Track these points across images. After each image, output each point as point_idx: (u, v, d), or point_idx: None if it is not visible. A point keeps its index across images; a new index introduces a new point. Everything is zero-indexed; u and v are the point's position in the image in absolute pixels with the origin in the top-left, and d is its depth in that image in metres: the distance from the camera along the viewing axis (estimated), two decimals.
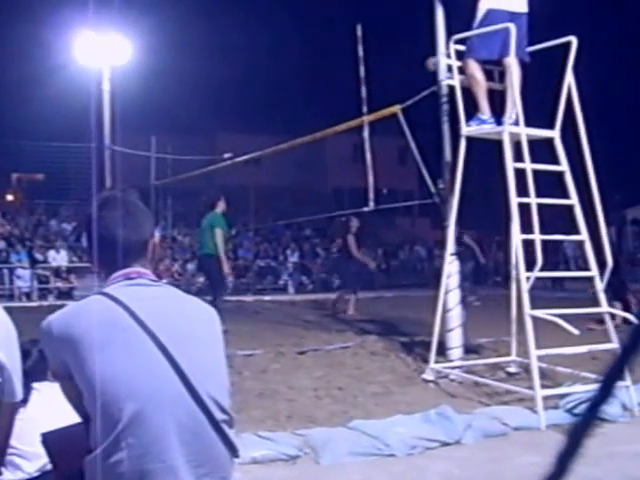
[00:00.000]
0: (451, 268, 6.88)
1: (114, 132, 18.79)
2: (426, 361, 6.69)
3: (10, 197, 27.62)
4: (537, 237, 5.65)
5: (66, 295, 17.63)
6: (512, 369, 6.88)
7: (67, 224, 22.22)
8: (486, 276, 22.41)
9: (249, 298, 18.09)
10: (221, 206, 10.21)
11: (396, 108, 8.09)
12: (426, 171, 7.67)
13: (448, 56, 6.85)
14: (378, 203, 9.12)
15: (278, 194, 31.27)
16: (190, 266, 20.49)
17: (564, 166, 6.13)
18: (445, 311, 6.83)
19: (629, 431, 4.99)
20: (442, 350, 6.86)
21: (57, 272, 18.81)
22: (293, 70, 36.54)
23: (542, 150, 6.28)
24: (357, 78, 8.92)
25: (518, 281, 6.00)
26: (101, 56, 18.70)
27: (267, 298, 18.43)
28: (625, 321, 6.28)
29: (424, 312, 8.68)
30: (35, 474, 2.90)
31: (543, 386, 5.42)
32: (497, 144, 6.15)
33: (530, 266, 5.59)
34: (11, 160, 22.40)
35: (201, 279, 17.58)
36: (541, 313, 5.53)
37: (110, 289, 2.03)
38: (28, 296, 17.97)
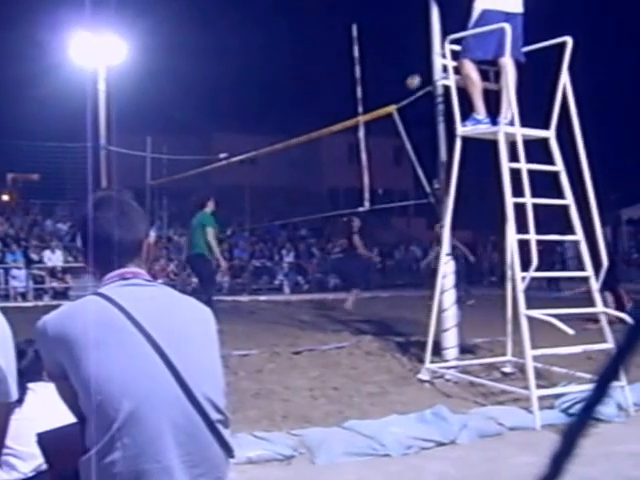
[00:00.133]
0: (447, 268, 6.89)
1: (110, 132, 18.76)
2: (422, 361, 6.69)
3: (5, 197, 27.51)
4: (532, 237, 5.66)
5: (61, 295, 17.59)
6: (507, 369, 6.89)
7: (62, 224, 22.18)
8: (481, 276, 22.44)
9: (244, 298, 18.10)
10: (210, 206, 10.28)
11: (391, 108, 8.10)
12: (421, 171, 7.69)
13: (443, 56, 6.85)
14: (373, 203, 9.13)
15: (273, 194, 31.24)
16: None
17: (559, 166, 6.14)
18: (441, 311, 6.84)
19: (624, 431, 5.00)
20: (438, 350, 6.87)
21: (52, 272, 18.78)
22: (288, 70, 36.48)
23: (537, 150, 6.28)
24: (352, 78, 8.91)
25: (513, 281, 6.01)
26: (96, 56, 18.69)
27: (263, 298, 18.42)
28: (620, 320, 6.28)
29: (420, 312, 8.69)
30: (30, 474, 2.90)
31: (538, 386, 5.43)
32: (492, 144, 6.15)
33: (525, 266, 5.60)
34: (6, 160, 22.31)
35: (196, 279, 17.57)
36: (536, 313, 5.54)
37: (105, 289, 2.03)
38: (23, 296, 17.94)
